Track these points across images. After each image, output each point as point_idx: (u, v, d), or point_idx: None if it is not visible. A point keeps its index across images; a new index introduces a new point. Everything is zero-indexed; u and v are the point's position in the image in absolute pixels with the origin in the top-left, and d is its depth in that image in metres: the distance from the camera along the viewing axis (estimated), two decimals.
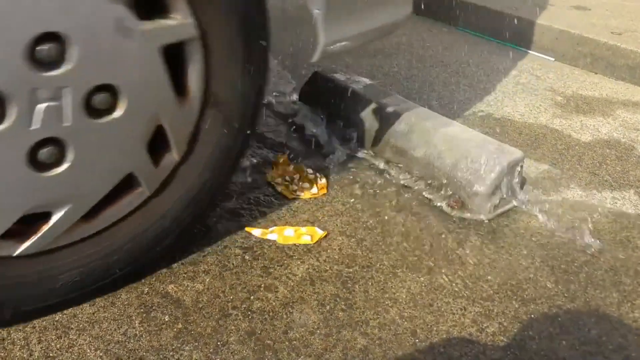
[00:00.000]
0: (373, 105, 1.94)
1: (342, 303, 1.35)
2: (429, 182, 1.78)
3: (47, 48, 0.97)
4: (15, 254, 1.12)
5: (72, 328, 1.22)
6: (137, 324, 1.24)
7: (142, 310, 1.28)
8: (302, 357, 1.20)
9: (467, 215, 1.68)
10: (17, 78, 0.96)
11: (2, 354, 1.15)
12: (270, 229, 1.55)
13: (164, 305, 1.29)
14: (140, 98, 1.12)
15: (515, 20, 3.13)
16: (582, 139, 2.22)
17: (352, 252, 1.51)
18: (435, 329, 1.30)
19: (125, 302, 1.29)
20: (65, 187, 1.11)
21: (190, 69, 1.19)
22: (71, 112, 1.04)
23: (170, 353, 1.18)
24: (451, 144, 1.76)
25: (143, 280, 1.35)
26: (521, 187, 1.80)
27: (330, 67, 2.56)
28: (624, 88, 2.75)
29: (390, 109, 1.91)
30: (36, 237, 1.13)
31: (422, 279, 1.45)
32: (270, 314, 1.30)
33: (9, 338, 1.18)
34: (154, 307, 1.28)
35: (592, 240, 1.65)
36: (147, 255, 1.33)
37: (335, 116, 2.01)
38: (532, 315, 1.37)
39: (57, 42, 0.98)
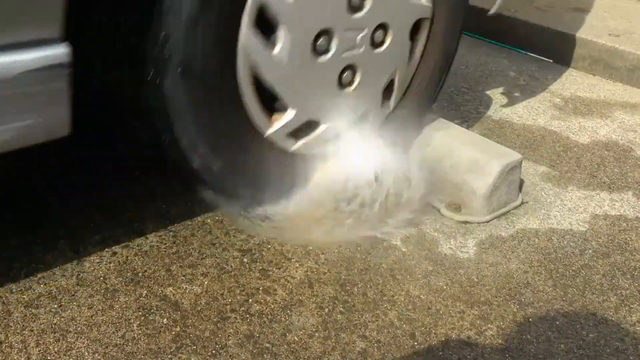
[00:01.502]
0: None
1: (341, 306, 1.35)
2: (427, 184, 1.78)
3: None
4: (290, 150, 1.50)
5: (70, 331, 1.22)
6: (135, 327, 1.24)
7: (140, 313, 1.27)
8: None
9: (465, 217, 1.68)
10: (341, 19, 1.38)
11: (0, 357, 1.14)
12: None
13: (162, 308, 1.29)
14: (395, 44, 1.55)
15: (514, 23, 3.14)
16: (581, 140, 2.22)
17: (350, 254, 1.51)
18: (433, 331, 1.31)
19: (124, 305, 1.29)
20: (347, 104, 1.51)
21: (418, 40, 1.65)
22: (363, 44, 1.47)
23: (169, 356, 1.18)
24: (449, 146, 1.76)
25: (141, 283, 1.35)
26: (519, 190, 1.80)
27: None
28: (622, 90, 2.76)
29: None
30: (305, 140, 1.51)
31: (420, 282, 1.45)
32: (269, 316, 1.30)
33: (6, 341, 1.18)
34: (152, 310, 1.28)
35: (590, 243, 1.65)
36: None
37: None
38: (530, 319, 1.37)
39: None
